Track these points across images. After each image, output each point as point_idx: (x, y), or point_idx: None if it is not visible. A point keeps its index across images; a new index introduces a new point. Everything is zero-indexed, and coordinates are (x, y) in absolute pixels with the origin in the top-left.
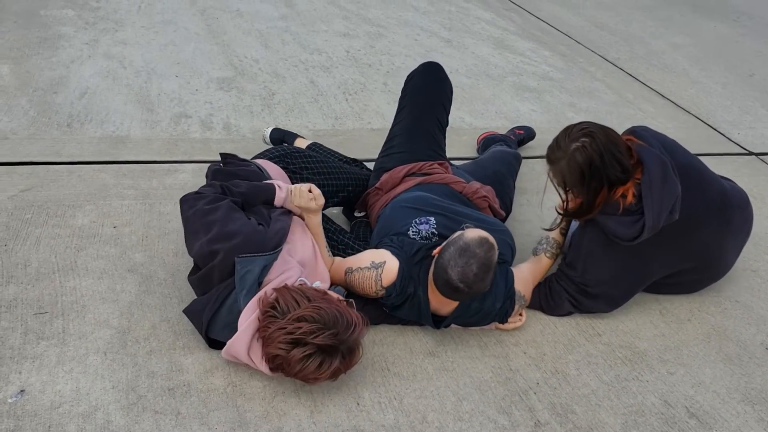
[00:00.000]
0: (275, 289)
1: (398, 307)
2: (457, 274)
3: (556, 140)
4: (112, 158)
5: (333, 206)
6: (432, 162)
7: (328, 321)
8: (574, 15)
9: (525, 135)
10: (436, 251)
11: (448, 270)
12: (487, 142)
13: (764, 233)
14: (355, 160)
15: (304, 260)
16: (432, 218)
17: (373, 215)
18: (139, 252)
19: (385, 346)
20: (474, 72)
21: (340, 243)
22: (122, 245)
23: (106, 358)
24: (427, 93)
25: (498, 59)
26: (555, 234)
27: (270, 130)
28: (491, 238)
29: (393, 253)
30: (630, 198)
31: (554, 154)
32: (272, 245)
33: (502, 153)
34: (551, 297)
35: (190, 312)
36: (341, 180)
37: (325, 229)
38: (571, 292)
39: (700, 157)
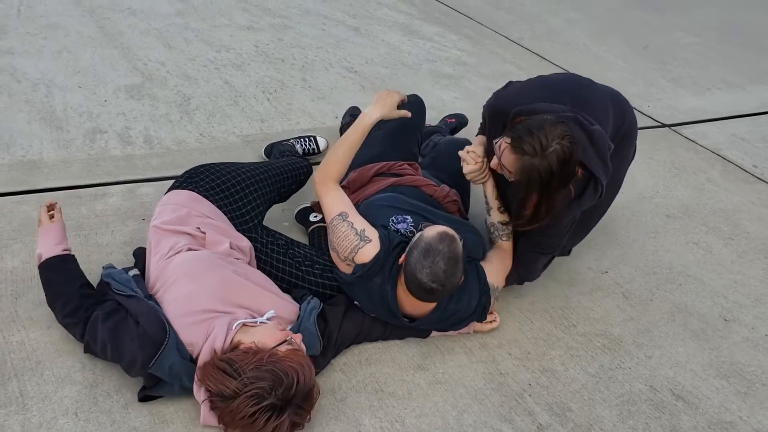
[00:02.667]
0: (198, 372)
1: (357, 291)
2: (427, 275)
3: (536, 138)
4: (30, 186)
5: (266, 207)
6: (402, 162)
7: (264, 392)
8: None
9: (457, 123)
10: (401, 259)
11: (417, 274)
12: (423, 135)
13: (695, 205)
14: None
15: (218, 296)
16: (408, 217)
17: None
18: None
19: (372, 365)
20: (389, 61)
21: (306, 259)
22: None
23: (79, 419)
24: (416, 114)
25: (409, 46)
26: (497, 216)
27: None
28: (450, 231)
29: (380, 237)
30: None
31: (524, 143)
32: (160, 331)
33: (453, 146)
34: (522, 263)
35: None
36: (258, 178)
37: (277, 245)
38: (534, 246)
39: None
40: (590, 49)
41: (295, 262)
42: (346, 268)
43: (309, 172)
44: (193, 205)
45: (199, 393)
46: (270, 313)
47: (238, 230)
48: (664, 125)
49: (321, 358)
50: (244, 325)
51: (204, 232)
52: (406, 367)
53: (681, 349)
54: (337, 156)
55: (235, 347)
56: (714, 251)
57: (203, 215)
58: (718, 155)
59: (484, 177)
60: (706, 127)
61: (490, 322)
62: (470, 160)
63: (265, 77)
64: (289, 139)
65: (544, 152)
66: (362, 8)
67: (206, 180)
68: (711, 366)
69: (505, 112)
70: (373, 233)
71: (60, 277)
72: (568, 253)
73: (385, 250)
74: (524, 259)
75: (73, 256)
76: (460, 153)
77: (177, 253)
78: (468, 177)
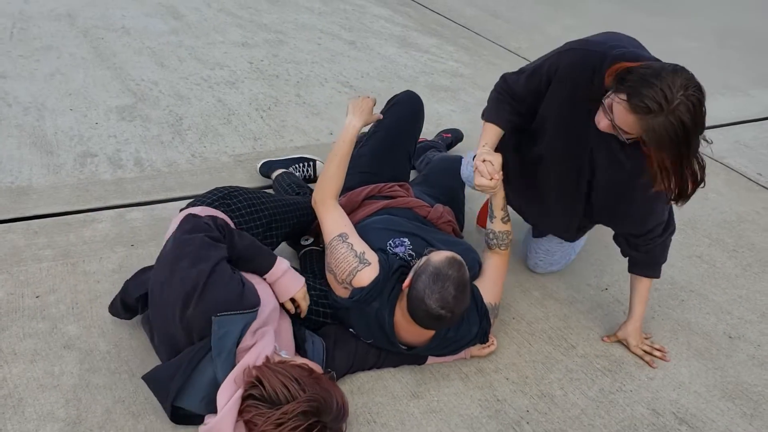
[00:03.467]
0: (257, 368)
1: (354, 317)
2: (437, 301)
3: (658, 89)
4: (18, 214)
5: (280, 242)
6: (392, 183)
7: (321, 410)
8: (467, 5)
9: (453, 138)
10: (405, 284)
11: (426, 300)
12: (418, 150)
13: (698, 217)
14: (302, 186)
15: (269, 323)
16: (406, 239)
17: None
18: (72, 323)
19: (364, 394)
20: (385, 74)
21: (320, 297)
22: (50, 318)
23: None
24: (405, 123)
25: (405, 59)
26: (499, 226)
27: (260, 164)
28: (458, 256)
29: (380, 261)
30: None
31: (650, 100)
32: (250, 303)
33: (446, 163)
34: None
35: (152, 380)
36: (282, 212)
37: None
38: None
39: None
40: None
41: None
42: (342, 292)
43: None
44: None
45: (228, 390)
46: (283, 353)
47: None
48: None
49: None
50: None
51: None
52: (400, 396)
53: (684, 370)
54: (331, 172)
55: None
56: (718, 265)
57: None
58: (722, 163)
59: (495, 190)
60: (709, 134)
61: (488, 345)
62: (486, 173)
63: (259, 94)
64: (289, 167)
65: (671, 106)
66: (358, 21)
67: (239, 206)
68: (716, 387)
69: (600, 56)
70: (372, 256)
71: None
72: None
73: (384, 274)
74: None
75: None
76: (476, 162)
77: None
78: (478, 189)
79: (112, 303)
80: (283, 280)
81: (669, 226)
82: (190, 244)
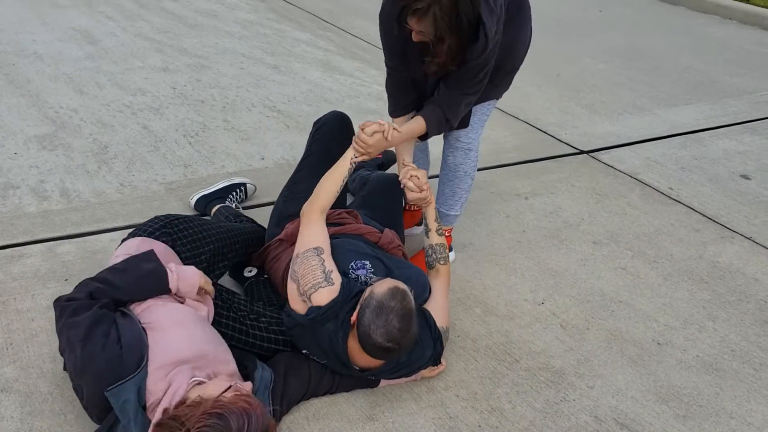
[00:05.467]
0: (170, 418)
1: (308, 336)
2: (382, 335)
3: None
4: None
5: (222, 271)
6: (340, 210)
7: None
8: None
9: (384, 159)
10: (353, 318)
11: (372, 335)
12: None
13: (619, 230)
14: (240, 216)
15: (195, 353)
16: (367, 262)
17: (278, 270)
18: (8, 365)
19: (320, 420)
20: (312, 98)
21: (251, 312)
22: None
23: None
24: (338, 142)
25: (330, 82)
26: (435, 239)
27: (194, 200)
28: (401, 285)
29: (341, 284)
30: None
31: (419, 3)
32: (134, 363)
33: (384, 184)
34: (447, 102)
35: None
36: (227, 239)
37: (224, 300)
38: (458, 87)
39: (542, 162)
40: None
41: (239, 316)
42: (300, 306)
43: (262, 241)
44: (169, 259)
45: None
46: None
47: None
48: (582, 152)
49: None
50: (198, 383)
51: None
52: (355, 420)
53: (620, 377)
54: (324, 187)
55: (181, 404)
56: (642, 275)
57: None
58: (636, 179)
59: (428, 201)
60: (622, 152)
61: (438, 367)
62: (415, 188)
63: (186, 120)
64: (224, 198)
65: None
66: (279, 45)
67: (183, 234)
68: (650, 391)
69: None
70: (337, 278)
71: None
72: (466, 124)
73: (343, 297)
74: (448, 98)
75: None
76: (404, 181)
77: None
78: (411, 203)
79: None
80: (183, 285)
81: (471, 87)
82: (61, 334)
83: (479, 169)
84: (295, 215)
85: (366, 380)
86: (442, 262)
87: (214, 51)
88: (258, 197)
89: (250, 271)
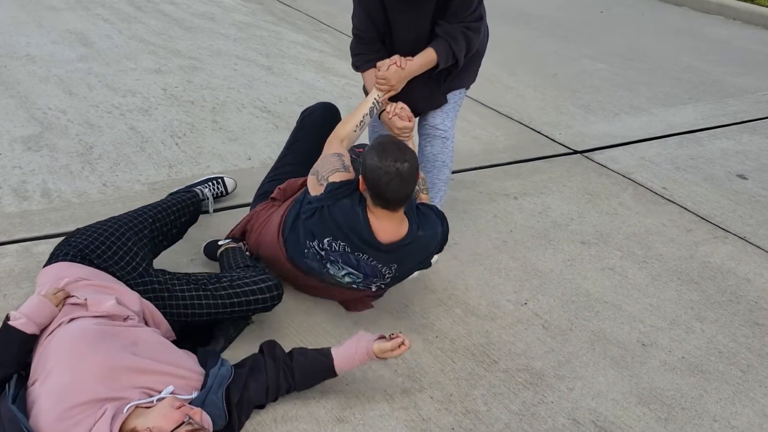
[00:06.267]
0: None
1: (325, 217)
2: (389, 160)
3: None
4: None
5: (168, 241)
6: None
7: None
8: None
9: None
10: (361, 186)
11: (381, 165)
12: None
13: (609, 230)
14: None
15: (97, 383)
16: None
17: (270, 228)
18: None
19: (288, 422)
20: (303, 99)
21: (210, 277)
22: None
23: None
24: (325, 130)
25: (323, 83)
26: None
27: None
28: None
29: (358, 175)
30: None
31: None
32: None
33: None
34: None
35: None
36: (156, 214)
37: (177, 279)
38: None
39: (534, 162)
40: (501, 80)
41: (200, 285)
42: (318, 189)
43: (197, 202)
44: (67, 273)
45: None
46: (168, 390)
47: (129, 281)
48: (576, 152)
49: (228, 429)
50: (137, 407)
51: (85, 298)
52: (325, 421)
53: (602, 378)
54: (347, 120)
55: None
56: (629, 276)
57: (79, 278)
58: (629, 179)
59: (410, 136)
60: (616, 152)
61: (399, 346)
62: (405, 117)
63: (174, 121)
64: (195, 185)
65: None
66: (275, 47)
67: (75, 244)
68: (632, 393)
69: None
70: (352, 170)
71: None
72: (439, 104)
73: (357, 182)
74: (451, 31)
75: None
76: (393, 108)
77: (59, 326)
78: (399, 131)
79: None
80: (37, 317)
81: (467, 19)
82: None
83: (469, 169)
84: (285, 177)
85: (325, 370)
86: (424, 193)
87: (208, 53)
88: (241, 196)
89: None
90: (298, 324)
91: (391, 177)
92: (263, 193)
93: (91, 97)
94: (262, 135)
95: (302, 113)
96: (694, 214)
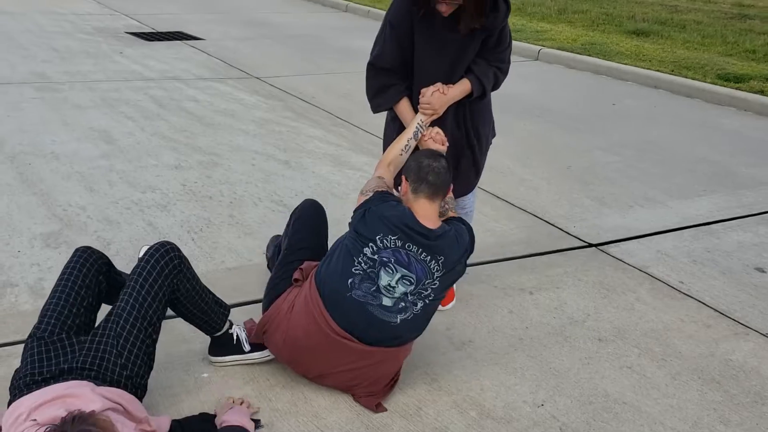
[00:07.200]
0: None
1: (376, 213)
2: (427, 157)
3: None
4: None
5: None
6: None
7: None
8: None
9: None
10: (403, 188)
11: (420, 164)
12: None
13: (626, 327)
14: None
15: None
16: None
17: (300, 300)
18: None
19: None
20: (319, 192)
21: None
22: None
23: None
24: (316, 229)
25: (339, 176)
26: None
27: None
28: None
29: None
30: None
31: None
32: None
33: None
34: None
35: None
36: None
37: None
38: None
39: (549, 256)
40: (515, 172)
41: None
42: (362, 200)
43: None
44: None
45: None
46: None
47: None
48: (590, 245)
49: None
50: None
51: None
52: None
53: None
54: (392, 148)
55: None
56: (648, 374)
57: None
58: (645, 273)
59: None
60: (631, 245)
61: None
62: (441, 141)
63: (191, 216)
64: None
65: None
66: (293, 142)
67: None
68: None
69: None
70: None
71: None
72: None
73: (391, 195)
74: (481, 68)
75: None
76: (431, 133)
77: None
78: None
79: None
80: None
81: (494, 60)
82: None
83: (483, 263)
84: (305, 259)
85: None
86: (451, 212)
87: (228, 149)
88: (254, 293)
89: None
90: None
91: (433, 167)
92: (275, 294)
93: (111, 194)
94: (277, 229)
95: (291, 215)
96: (713, 309)
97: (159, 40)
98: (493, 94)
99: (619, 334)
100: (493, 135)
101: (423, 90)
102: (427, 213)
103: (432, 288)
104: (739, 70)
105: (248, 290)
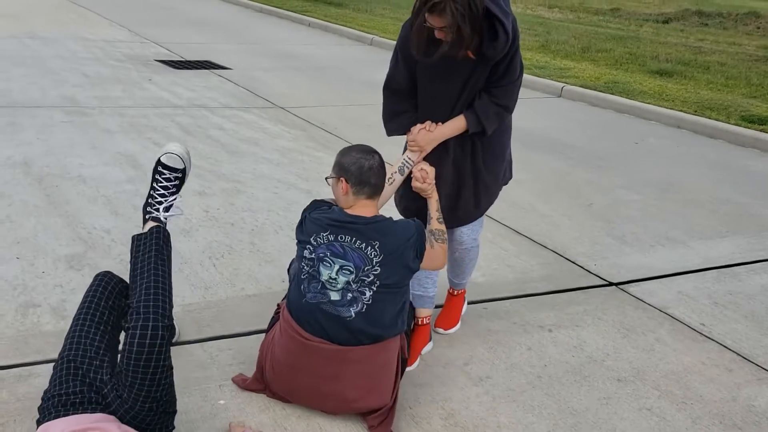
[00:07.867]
0: None
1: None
2: (364, 156)
3: None
4: None
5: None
6: None
7: None
8: None
9: None
10: (343, 187)
11: (359, 160)
12: None
13: (646, 368)
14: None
15: None
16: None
17: (277, 330)
18: None
19: None
20: None
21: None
22: None
23: None
24: None
25: None
26: (435, 225)
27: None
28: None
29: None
30: None
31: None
32: None
33: None
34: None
35: None
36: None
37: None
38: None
39: (569, 293)
40: (536, 209)
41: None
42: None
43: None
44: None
45: None
46: None
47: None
48: (611, 284)
49: None
50: None
51: None
52: None
53: None
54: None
55: None
56: (668, 417)
57: None
58: (666, 314)
59: (430, 193)
60: (652, 285)
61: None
62: (421, 178)
63: (213, 242)
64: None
65: None
66: (315, 171)
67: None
68: None
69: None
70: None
71: None
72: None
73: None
74: (482, 105)
75: None
76: (414, 169)
77: None
78: (415, 191)
79: None
80: None
81: (497, 96)
82: None
83: (503, 298)
84: None
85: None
86: (439, 242)
87: (251, 176)
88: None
89: None
90: None
91: (373, 169)
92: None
93: (136, 218)
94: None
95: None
96: (735, 353)
97: (187, 68)
98: (514, 129)
99: (639, 375)
100: (510, 177)
101: (412, 128)
102: (366, 209)
103: (374, 274)
104: (763, 112)
105: (267, 318)
